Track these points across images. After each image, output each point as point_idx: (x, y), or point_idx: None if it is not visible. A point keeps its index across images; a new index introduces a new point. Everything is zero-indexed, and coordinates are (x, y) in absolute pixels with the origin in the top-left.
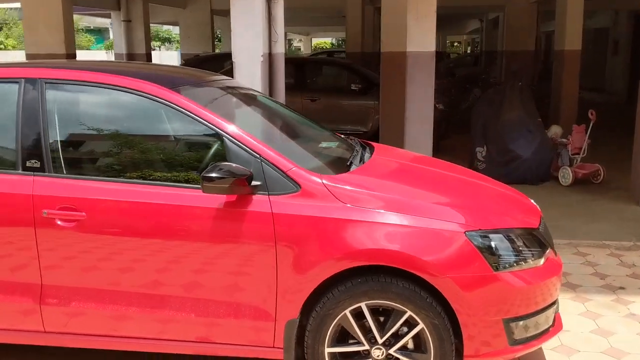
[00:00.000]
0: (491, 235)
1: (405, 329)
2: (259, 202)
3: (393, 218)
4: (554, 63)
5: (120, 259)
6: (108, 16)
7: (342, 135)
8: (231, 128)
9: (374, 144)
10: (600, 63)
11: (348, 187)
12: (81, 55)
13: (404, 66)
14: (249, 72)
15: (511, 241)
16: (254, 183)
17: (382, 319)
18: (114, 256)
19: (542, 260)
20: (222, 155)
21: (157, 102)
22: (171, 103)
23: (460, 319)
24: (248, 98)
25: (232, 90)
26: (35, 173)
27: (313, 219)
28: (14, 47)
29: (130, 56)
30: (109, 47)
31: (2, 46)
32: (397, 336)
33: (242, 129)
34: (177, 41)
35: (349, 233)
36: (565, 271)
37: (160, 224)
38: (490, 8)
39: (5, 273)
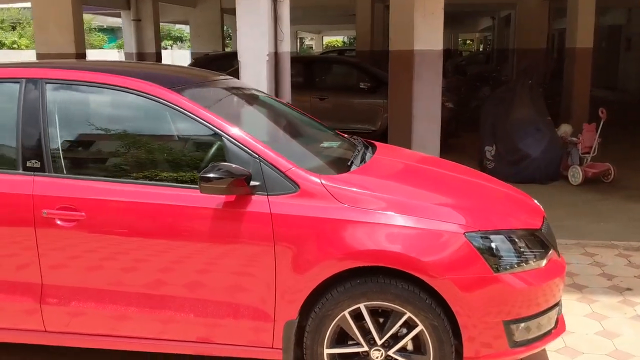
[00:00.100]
0: (492, 236)
1: (404, 331)
2: (258, 203)
3: (392, 219)
4: (565, 61)
5: (120, 259)
6: (118, 15)
7: (346, 135)
8: (230, 128)
9: (376, 143)
10: (613, 61)
11: (347, 188)
12: (93, 54)
13: (411, 64)
14: (254, 72)
15: (513, 242)
16: (252, 183)
17: (381, 320)
18: (114, 256)
19: (544, 262)
20: (221, 155)
21: (157, 102)
22: (171, 103)
23: (459, 321)
24: (250, 98)
25: (233, 90)
26: (35, 173)
27: (311, 219)
28: (27, 47)
29: (140, 55)
30: (121, 46)
31: (15, 46)
32: (396, 337)
33: (242, 129)
34: (189, 40)
35: (347, 233)
36: (572, 272)
37: (160, 224)
38: (502, 6)
39: (5, 272)
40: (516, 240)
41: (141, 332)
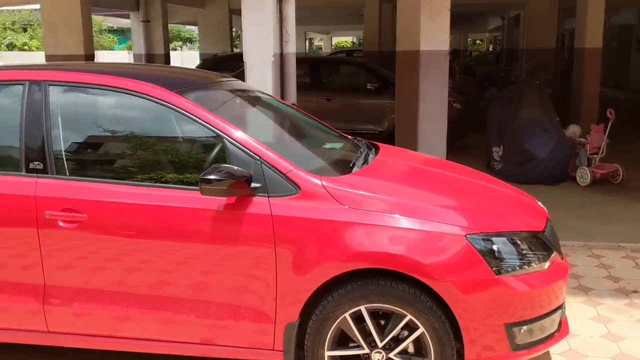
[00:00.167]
0: (494, 239)
1: (405, 333)
2: (259, 204)
3: (393, 221)
4: (574, 61)
5: (122, 260)
6: (127, 17)
7: (350, 136)
8: (231, 130)
9: (380, 145)
10: (624, 60)
11: (348, 189)
12: (103, 55)
13: (417, 65)
14: (260, 72)
15: (515, 244)
16: (253, 185)
17: (382, 322)
18: (116, 257)
19: (547, 264)
20: (222, 157)
21: (159, 104)
22: (172, 105)
23: (461, 323)
24: (252, 100)
25: (236, 92)
26: (38, 175)
27: (312, 221)
28: (37, 49)
29: (149, 56)
30: (131, 48)
31: (26, 47)
32: (397, 340)
33: (243, 131)
34: (198, 41)
35: (347, 235)
36: (578, 274)
37: (161, 226)
38: (511, 5)
39: (9, 273)
40: (518, 242)
41: (143, 333)
